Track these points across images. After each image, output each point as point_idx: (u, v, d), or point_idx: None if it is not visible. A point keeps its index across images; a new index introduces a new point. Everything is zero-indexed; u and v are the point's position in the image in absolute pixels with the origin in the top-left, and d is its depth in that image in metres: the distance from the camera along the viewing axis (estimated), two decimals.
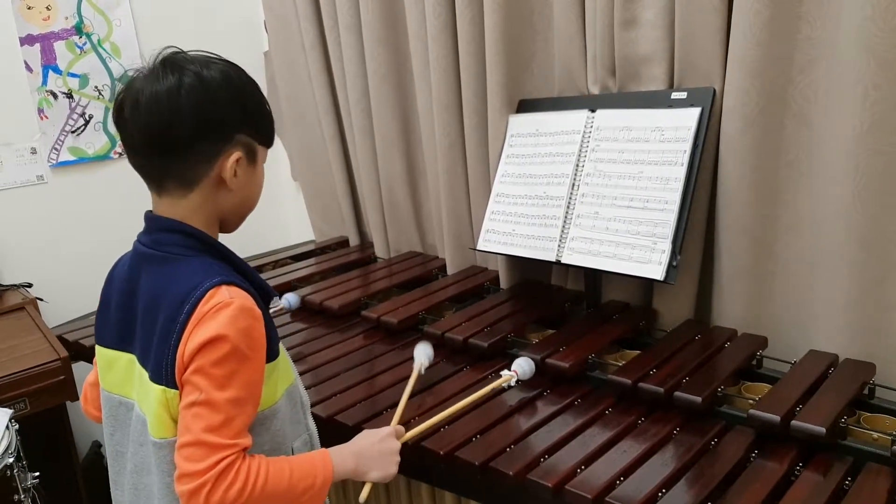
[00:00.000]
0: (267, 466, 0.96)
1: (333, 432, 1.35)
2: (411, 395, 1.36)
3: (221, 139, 0.99)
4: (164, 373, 0.96)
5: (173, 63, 0.98)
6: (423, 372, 1.44)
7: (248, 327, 0.96)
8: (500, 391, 1.41)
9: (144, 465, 1.03)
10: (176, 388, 0.95)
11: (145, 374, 1.00)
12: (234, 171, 1.01)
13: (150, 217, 1.05)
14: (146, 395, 1.00)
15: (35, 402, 1.75)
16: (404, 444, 1.17)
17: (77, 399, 1.82)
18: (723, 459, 1.16)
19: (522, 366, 1.41)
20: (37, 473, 1.55)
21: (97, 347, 1.11)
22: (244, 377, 0.95)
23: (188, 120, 0.96)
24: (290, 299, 1.87)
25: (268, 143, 1.08)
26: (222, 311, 0.94)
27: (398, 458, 1.13)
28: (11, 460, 1.45)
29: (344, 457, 1.07)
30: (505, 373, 1.40)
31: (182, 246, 1.01)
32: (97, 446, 2.38)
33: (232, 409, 0.93)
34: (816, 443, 1.15)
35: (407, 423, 1.26)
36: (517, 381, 1.40)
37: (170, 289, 0.98)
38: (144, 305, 1.01)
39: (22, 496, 1.48)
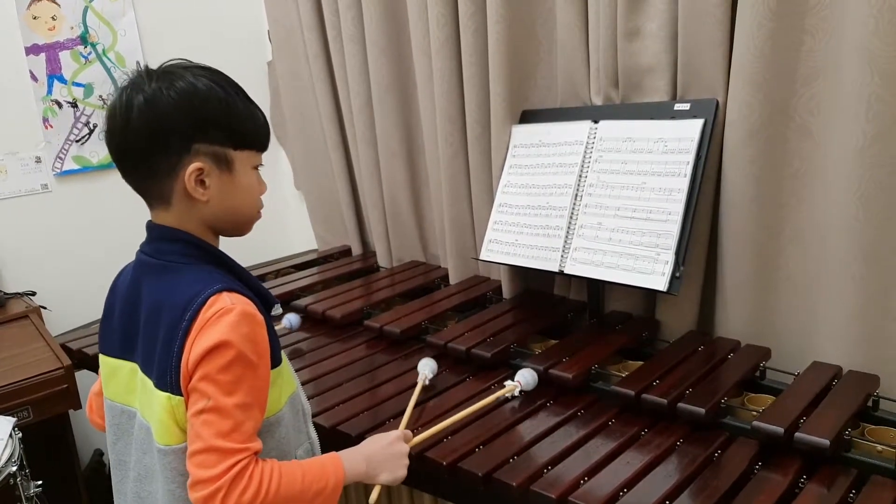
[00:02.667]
0: (280, 470, 0.96)
1: (337, 442, 1.35)
2: (416, 405, 1.37)
3: (177, 152, 0.98)
4: (168, 380, 0.96)
5: (132, 82, 1.00)
6: (427, 384, 1.47)
7: (251, 332, 0.96)
8: (504, 402, 1.41)
9: (148, 472, 1.04)
10: (181, 394, 0.96)
11: (149, 382, 1.00)
12: (201, 181, 1.00)
13: (150, 226, 1.06)
14: (151, 403, 1.00)
15: (38, 411, 1.75)
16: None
17: (80, 408, 1.82)
18: (726, 471, 1.15)
19: (525, 377, 1.42)
20: (39, 482, 1.54)
21: (101, 356, 1.12)
22: (250, 382, 0.96)
23: (139, 136, 0.98)
24: (291, 320, 1.85)
25: (248, 145, 1.04)
26: (224, 317, 0.95)
27: (407, 461, 1.15)
28: (14, 469, 1.44)
29: (354, 460, 1.08)
30: (508, 383, 1.41)
31: (182, 254, 1.02)
32: (99, 454, 2.38)
33: (241, 414, 0.94)
34: (820, 455, 1.14)
35: (412, 430, 1.27)
36: (520, 392, 1.40)
37: (171, 297, 0.99)
38: (146, 314, 1.02)
39: None
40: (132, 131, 0.98)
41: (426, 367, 1.50)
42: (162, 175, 1.00)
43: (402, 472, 1.13)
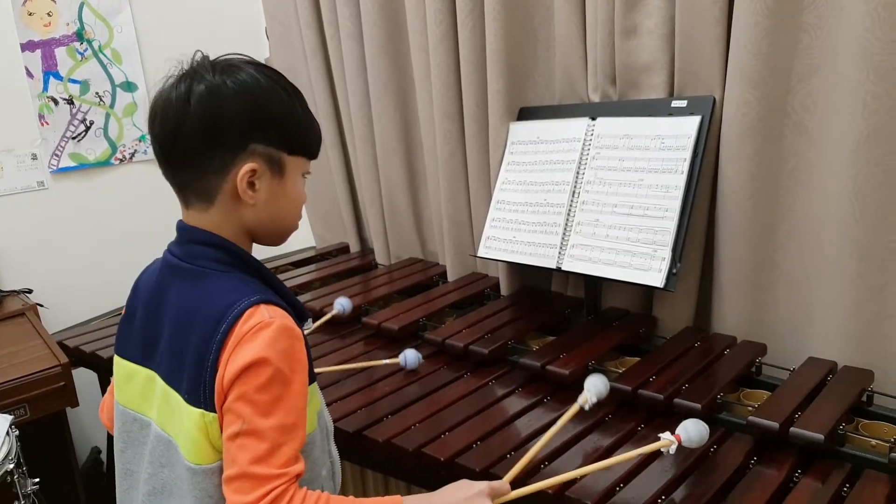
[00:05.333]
0: (327, 502, 0.89)
1: (334, 440, 1.35)
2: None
3: (232, 149, 0.92)
4: (202, 396, 0.90)
5: (192, 71, 0.94)
6: (586, 409, 1.19)
7: (290, 348, 0.90)
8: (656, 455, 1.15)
9: (166, 487, 0.97)
10: (215, 411, 0.90)
11: (175, 396, 0.94)
12: (251, 183, 0.94)
13: (182, 227, 0.98)
14: (179, 418, 0.93)
15: (35, 409, 1.75)
16: (404, 453, 1.15)
17: (77, 405, 1.83)
18: (722, 466, 1.16)
19: (689, 431, 1.06)
20: (37, 479, 1.54)
21: (116, 358, 1.05)
22: (289, 401, 0.89)
23: (194, 129, 0.91)
24: (407, 356, 1.57)
25: (302, 151, 0.99)
26: (262, 331, 0.88)
27: None
28: (11, 466, 1.45)
29: None
30: (664, 437, 1.07)
31: (215, 260, 0.95)
32: (97, 452, 2.38)
33: (279, 437, 0.87)
34: (815, 450, 1.15)
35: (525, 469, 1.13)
36: (676, 448, 1.07)
37: (203, 306, 0.92)
38: (174, 322, 0.95)
39: (22, 502, 1.48)
40: (188, 121, 0.91)
41: (592, 388, 1.18)
42: (211, 171, 0.93)
43: None
